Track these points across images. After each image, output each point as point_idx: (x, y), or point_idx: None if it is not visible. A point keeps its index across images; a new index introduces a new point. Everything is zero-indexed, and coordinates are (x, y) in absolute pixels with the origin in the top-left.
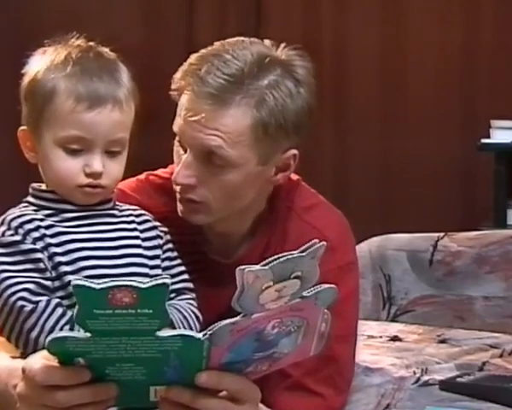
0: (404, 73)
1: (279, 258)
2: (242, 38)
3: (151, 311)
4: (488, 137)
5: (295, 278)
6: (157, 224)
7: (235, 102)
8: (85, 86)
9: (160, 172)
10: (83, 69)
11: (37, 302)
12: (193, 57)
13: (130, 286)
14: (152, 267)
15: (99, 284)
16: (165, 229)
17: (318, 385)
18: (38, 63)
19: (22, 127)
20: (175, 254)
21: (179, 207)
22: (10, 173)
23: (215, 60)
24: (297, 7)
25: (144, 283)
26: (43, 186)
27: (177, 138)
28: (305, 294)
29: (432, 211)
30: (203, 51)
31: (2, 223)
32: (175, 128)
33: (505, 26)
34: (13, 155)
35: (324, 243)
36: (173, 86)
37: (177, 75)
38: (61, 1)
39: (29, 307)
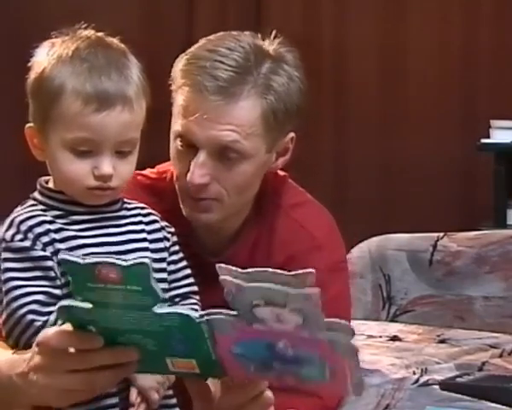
0: (404, 72)
1: (257, 275)
2: (225, 33)
3: (140, 288)
4: (488, 137)
5: (293, 311)
6: (164, 224)
7: (244, 93)
8: (94, 86)
9: (147, 172)
10: (91, 67)
11: (48, 314)
12: (185, 57)
13: (113, 264)
14: (157, 271)
15: (84, 259)
16: (172, 230)
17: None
18: (45, 58)
19: (29, 124)
20: (180, 255)
21: (186, 207)
22: (8, 173)
23: (214, 55)
24: (297, 6)
25: (126, 260)
26: (51, 183)
27: (178, 140)
28: (315, 332)
29: (432, 211)
30: (192, 51)
31: (11, 225)
32: (179, 129)
33: (505, 26)
34: (11, 154)
35: (317, 291)
36: (175, 86)
37: (176, 75)
38: (60, 1)
39: (39, 321)
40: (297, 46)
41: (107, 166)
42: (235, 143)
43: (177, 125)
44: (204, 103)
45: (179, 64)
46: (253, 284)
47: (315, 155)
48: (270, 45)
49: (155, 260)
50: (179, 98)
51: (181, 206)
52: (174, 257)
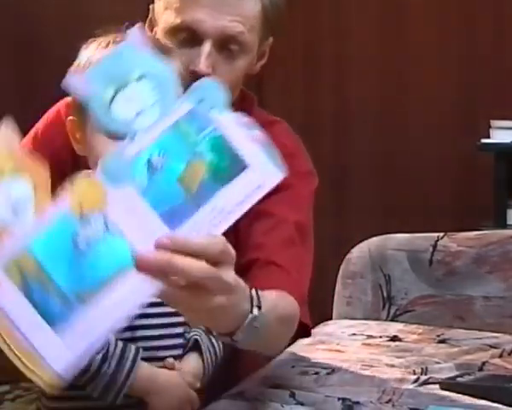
0: (404, 73)
1: None
2: None
3: None
4: (488, 137)
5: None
6: None
7: None
8: None
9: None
10: None
11: None
12: None
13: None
14: None
15: None
16: None
17: (285, 262)
18: (90, 52)
19: (69, 117)
20: None
21: None
22: None
23: None
24: (297, 7)
25: None
26: None
27: (170, 35)
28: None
29: (432, 211)
30: None
31: None
32: (179, 21)
33: (505, 27)
34: None
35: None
36: None
37: None
38: (60, 1)
39: None
40: (297, 46)
41: None
42: (242, 34)
43: (174, 18)
44: None
45: None
46: None
47: (314, 155)
48: None
49: None
50: None
51: None
52: None
